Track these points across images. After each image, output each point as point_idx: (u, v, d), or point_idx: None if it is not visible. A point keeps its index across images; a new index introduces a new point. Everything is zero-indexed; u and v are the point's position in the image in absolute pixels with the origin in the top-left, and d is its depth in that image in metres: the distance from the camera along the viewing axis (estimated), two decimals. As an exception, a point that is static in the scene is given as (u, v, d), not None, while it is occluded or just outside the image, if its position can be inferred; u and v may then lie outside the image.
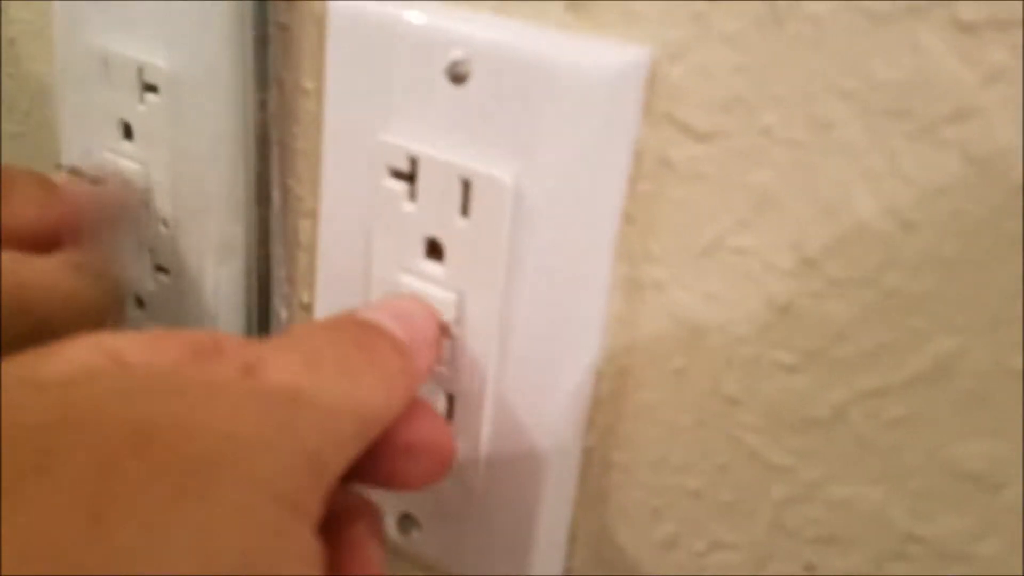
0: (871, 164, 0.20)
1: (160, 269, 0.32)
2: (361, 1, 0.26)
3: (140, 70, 0.31)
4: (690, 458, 0.24)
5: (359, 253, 0.28)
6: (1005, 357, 0.19)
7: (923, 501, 0.21)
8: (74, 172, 0.25)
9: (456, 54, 0.24)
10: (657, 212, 0.23)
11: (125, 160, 0.32)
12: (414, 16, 0.25)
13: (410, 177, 0.26)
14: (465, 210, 0.25)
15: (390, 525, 0.30)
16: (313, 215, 0.30)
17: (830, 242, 0.20)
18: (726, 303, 0.22)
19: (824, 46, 0.20)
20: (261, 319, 0.32)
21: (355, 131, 0.27)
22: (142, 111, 0.31)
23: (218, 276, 0.31)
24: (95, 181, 0.26)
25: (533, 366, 0.26)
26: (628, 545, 0.26)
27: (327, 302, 0.30)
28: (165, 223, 0.32)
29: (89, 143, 0.33)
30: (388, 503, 0.30)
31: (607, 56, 0.22)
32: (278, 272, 0.31)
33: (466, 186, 0.25)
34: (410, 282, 0.27)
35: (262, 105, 0.29)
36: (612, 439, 0.25)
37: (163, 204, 0.31)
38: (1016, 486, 0.20)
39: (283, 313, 0.32)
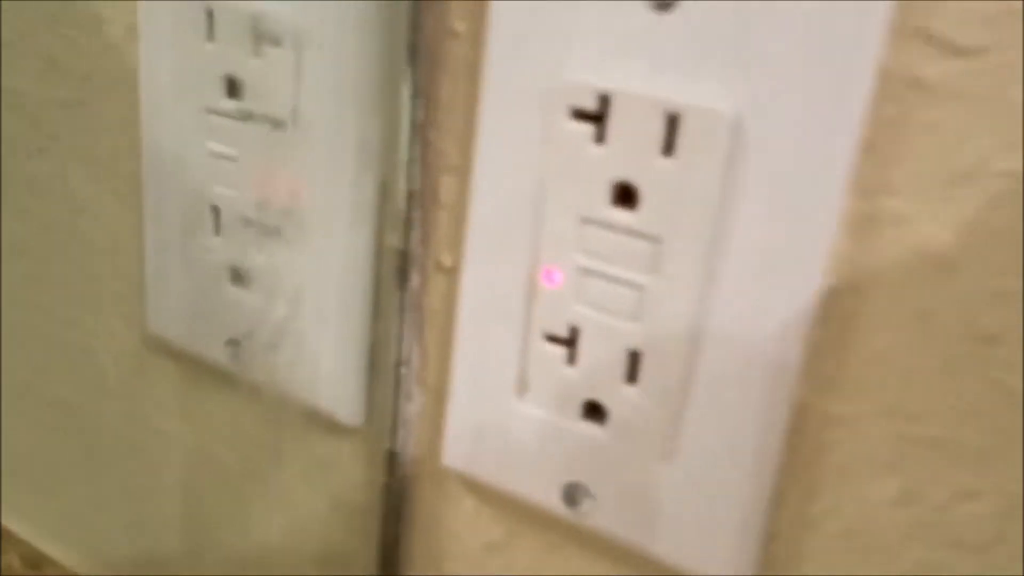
0: None
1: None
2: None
3: (255, 20, 0.28)
4: (932, 404, 0.22)
5: (523, 208, 0.26)
6: None
7: None
8: None
9: (661, -24, 0.22)
10: (903, 138, 0.21)
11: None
12: (604, -64, 0.23)
13: (597, 117, 0.24)
14: (668, 149, 0.23)
15: (553, 496, 0.28)
16: (459, 171, 0.28)
17: None
18: (985, 233, 0.20)
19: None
20: (388, 284, 0.30)
21: (525, 72, 0.25)
22: (255, 65, 0.28)
23: (349, 239, 0.29)
24: None
25: (740, 319, 0.24)
26: (846, 503, 0.24)
27: (477, 264, 0.28)
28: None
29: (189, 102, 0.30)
30: (550, 470, 0.28)
31: (855, -34, 0.20)
32: (411, 233, 0.29)
33: (671, 123, 0.23)
34: (593, 234, 0.25)
35: (412, 49, 0.26)
36: (833, 391, 0.23)
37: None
38: None
39: (416, 278, 0.30)
